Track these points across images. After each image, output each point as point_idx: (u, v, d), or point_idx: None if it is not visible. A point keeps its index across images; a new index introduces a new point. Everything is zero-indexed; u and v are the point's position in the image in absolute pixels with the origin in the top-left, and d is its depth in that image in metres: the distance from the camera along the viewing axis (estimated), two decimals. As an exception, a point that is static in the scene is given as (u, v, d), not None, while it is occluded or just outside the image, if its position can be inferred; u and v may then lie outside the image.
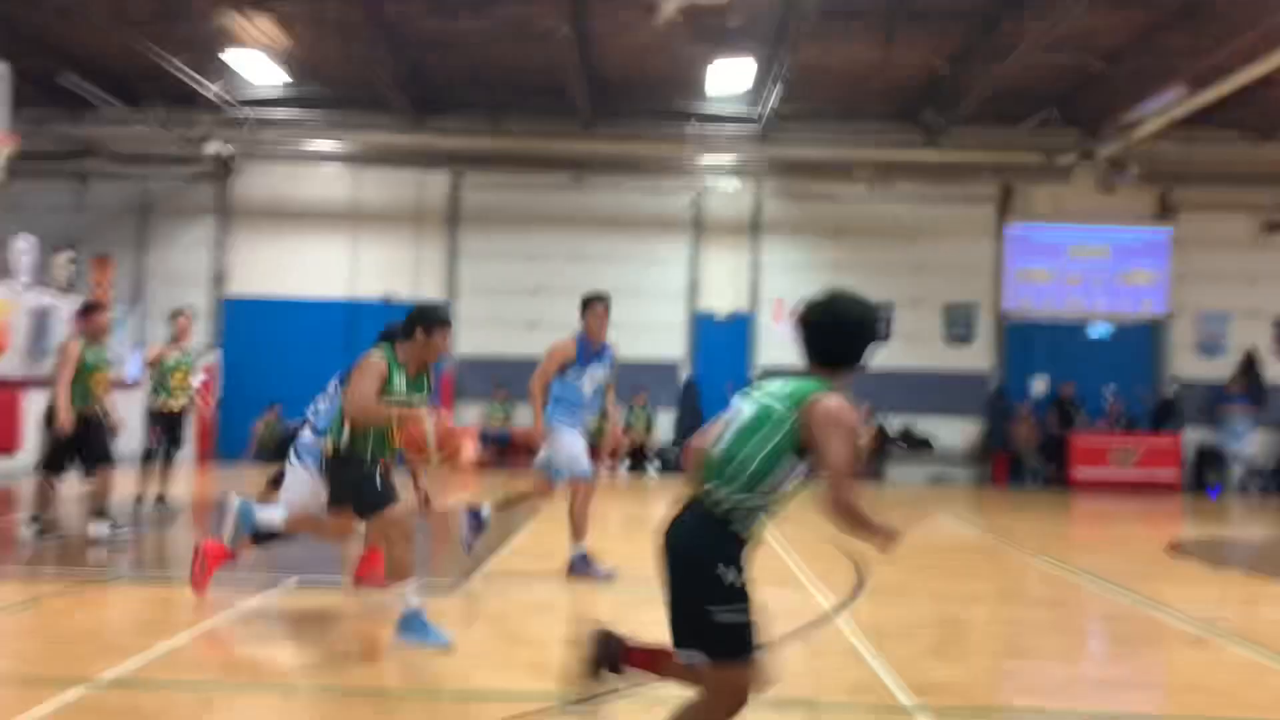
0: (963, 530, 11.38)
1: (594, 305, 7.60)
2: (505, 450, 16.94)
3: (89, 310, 8.66)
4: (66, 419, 7.99)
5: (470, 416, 17.20)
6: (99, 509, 8.08)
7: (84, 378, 8.20)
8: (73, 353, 8.16)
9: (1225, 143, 16.71)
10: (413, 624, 4.99)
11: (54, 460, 8.17)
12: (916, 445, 17.47)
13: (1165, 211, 17.71)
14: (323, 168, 17.72)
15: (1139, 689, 5.02)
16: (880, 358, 15.66)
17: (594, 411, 7.40)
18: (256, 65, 14.90)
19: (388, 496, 5.20)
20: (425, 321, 5.36)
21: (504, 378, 17.22)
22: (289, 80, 15.78)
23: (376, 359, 5.28)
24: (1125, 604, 6.87)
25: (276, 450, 17.03)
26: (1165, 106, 13.97)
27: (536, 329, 17.54)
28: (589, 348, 7.45)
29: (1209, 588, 7.97)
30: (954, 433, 17.55)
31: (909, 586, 7.25)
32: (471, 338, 17.40)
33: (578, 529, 7.16)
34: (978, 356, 17.79)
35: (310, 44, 14.43)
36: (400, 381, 5.31)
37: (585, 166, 17.38)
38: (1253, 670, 5.17)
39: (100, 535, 7.96)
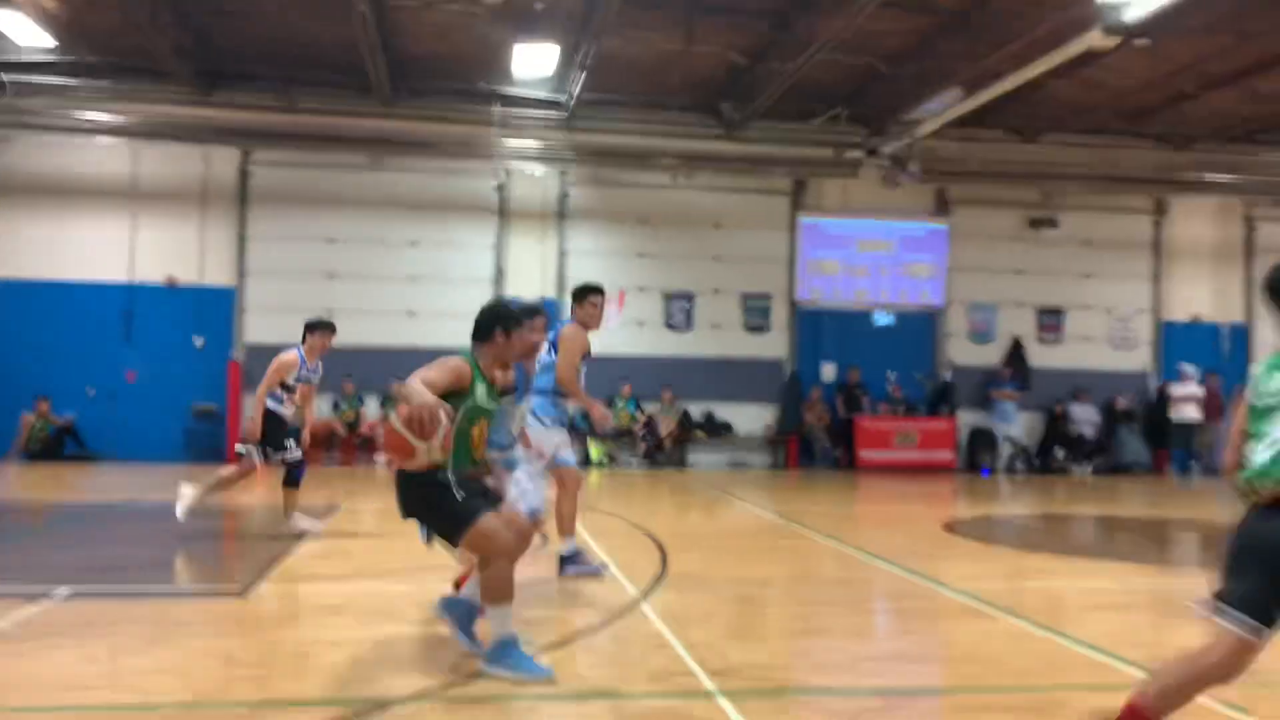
0: (759, 514, 11.77)
1: (593, 296, 7.07)
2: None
3: None
4: None
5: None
6: None
7: None
8: None
9: (996, 143, 17.97)
10: (508, 654, 4.53)
11: None
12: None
13: (942, 207, 18.90)
14: (98, 141, 16.37)
15: (922, 662, 5.34)
16: (683, 346, 16.06)
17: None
18: (20, 26, 13.57)
19: (473, 508, 4.56)
20: (504, 321, 4.81)
21: (299, 366, 16.58)
22: (58, 44, 14.51)
23: (457, 360, 4.68)
24: (908, 581, 7.28)
25: (47, 447, 15.82)
26: (943, 108, 14.85)
27: (332, 316, 16.91)
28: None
29: (981, 563, 8.56)
30: (752, 418, 18.16)
31: (708, 571, 7.44)
32: (261, 326, 16.66)
33: (565, 524, 6.97)
34: (773, 344, 18.44)
35: (81, 4, 13.32)
36: (483, 391, 4.73)
37: (384, 146, 16.81)
38: (1020, 638, 5.59)
39: None
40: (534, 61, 14.48)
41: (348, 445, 16.69)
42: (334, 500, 11.21)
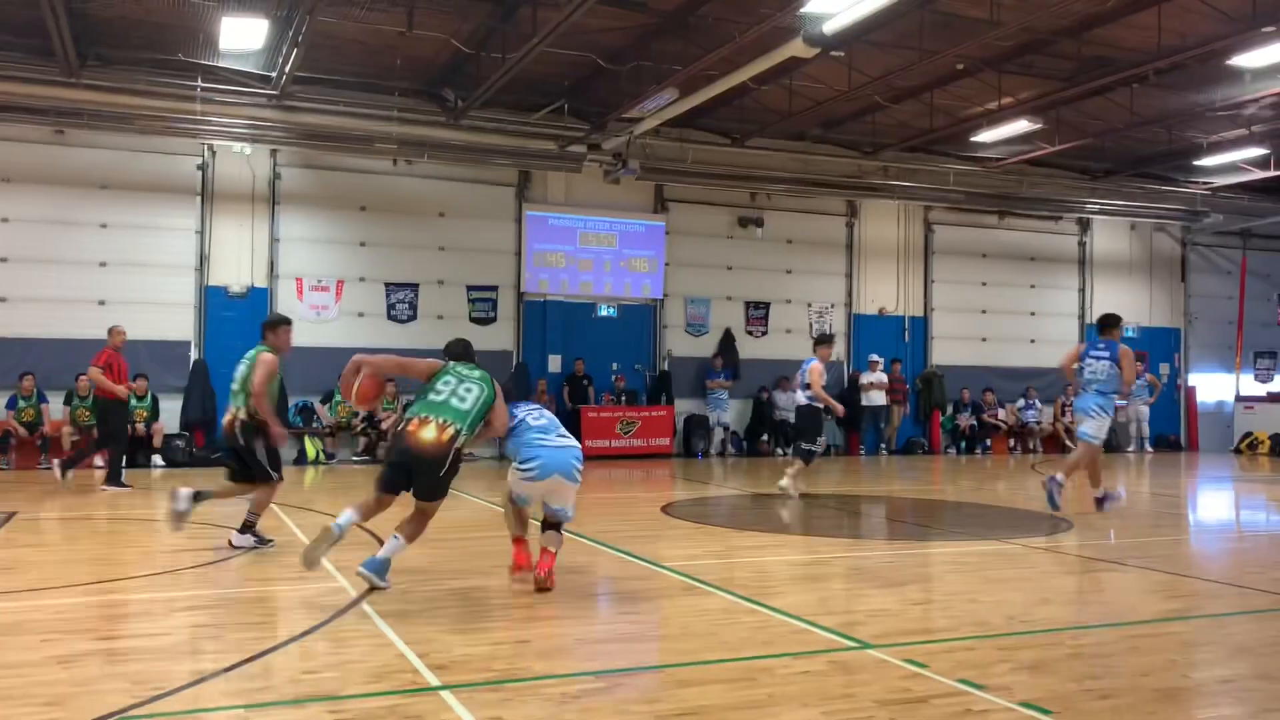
0: (482, 507, 11.73)
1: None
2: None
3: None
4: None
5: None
6: None
7: None
8: None
9: (709, 144, 18.87)
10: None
11: None
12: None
13: (661, 204, 19.61)
14: None
15: (641, 641, 5.52)
16: (406, 338, 15.74)
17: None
18: None
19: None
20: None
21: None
22: None
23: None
24: (630, 564, 7.52)
25: None
26: (659, 107, 15.38)
27: (7, 305, 15.38)
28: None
29: (697, 543, 8.98)
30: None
31: (431, 566, 7.35)
32: (-80, 313, 14.74)
33: (1095, 478, 10.41)
34: (500, 335, 18.42)
35: None
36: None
37: (69, 118, 15.27)
38: (732, 612, 5.91)
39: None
40: (242, 34, 13.64)
41: (27, 447, 15.03)
42: (12, 508, 10.11)
